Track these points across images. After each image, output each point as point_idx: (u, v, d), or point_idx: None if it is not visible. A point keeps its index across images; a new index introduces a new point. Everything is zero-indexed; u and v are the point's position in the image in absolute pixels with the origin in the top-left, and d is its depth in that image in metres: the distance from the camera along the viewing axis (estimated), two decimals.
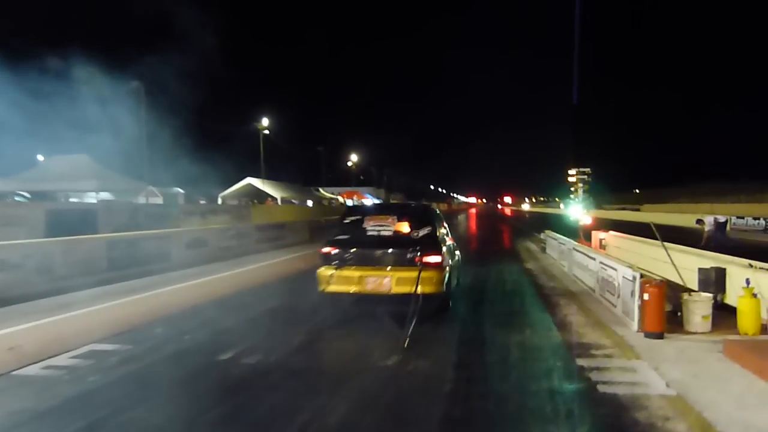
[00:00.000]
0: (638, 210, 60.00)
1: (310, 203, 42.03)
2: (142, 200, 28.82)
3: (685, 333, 7.02)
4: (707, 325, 7.09)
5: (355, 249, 8.01)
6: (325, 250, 8.17)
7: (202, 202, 31.50)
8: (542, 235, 19.12)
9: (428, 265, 7.67)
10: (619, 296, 7.99)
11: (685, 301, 7.22)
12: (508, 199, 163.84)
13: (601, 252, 13.99)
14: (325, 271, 7.91)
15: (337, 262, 7.93)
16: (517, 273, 13.18)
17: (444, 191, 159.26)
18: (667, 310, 7.16)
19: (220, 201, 34.40)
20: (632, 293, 7.26)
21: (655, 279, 7.19)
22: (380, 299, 7.67)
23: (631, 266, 8.01)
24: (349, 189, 61.37)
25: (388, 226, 8.30)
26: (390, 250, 7.94)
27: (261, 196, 35.98)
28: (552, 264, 14.56)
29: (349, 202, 53.62)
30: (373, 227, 8.33)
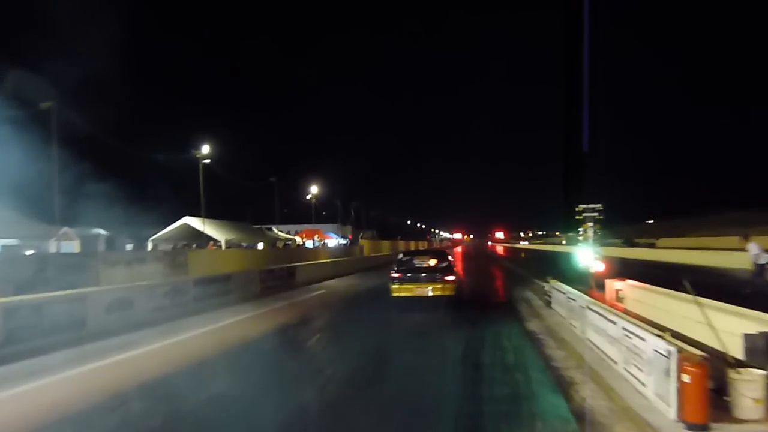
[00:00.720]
0: (653, 245, 60.59)
1: (261, 246, 41.26)
2: (54, 246, 27.84)
3: (733, 421, 6.66)
4: (761, 410, 6.74)
5: (409, 274, 17.68)
6: (394, 275, 17.55)
7: (128, 247, 30.60)
8: (545, 285, 18.81)
9: (447, 281, 17.18)
10: (649, 374, 7.60)
11: (733, 380, 6.86)
12: (500, 235, 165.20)
13: (619, 308, 13.71)
14: (394, 286, 17.40)
15: (399, 281, 17.37)
16: (518, 337, 12.76)
17: (423, 226, 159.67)
18: (710, 388, 6.80)
19: (150, 246, 33.45)
20: (667, 372, 6.87)
21: (696, 354, 6.81)
22: (423, 299, 17.10)
23: (662, 335, 7.64)
24: (309, 227, 60.69)
25: (426, 261, 18.73)
26: (427, 274, 17.62)
27: (202, 239, 35.10)
28: (560, 324, 14.19)
29: (309, 243, 53.04)
30: (418, 261, 18.84)
